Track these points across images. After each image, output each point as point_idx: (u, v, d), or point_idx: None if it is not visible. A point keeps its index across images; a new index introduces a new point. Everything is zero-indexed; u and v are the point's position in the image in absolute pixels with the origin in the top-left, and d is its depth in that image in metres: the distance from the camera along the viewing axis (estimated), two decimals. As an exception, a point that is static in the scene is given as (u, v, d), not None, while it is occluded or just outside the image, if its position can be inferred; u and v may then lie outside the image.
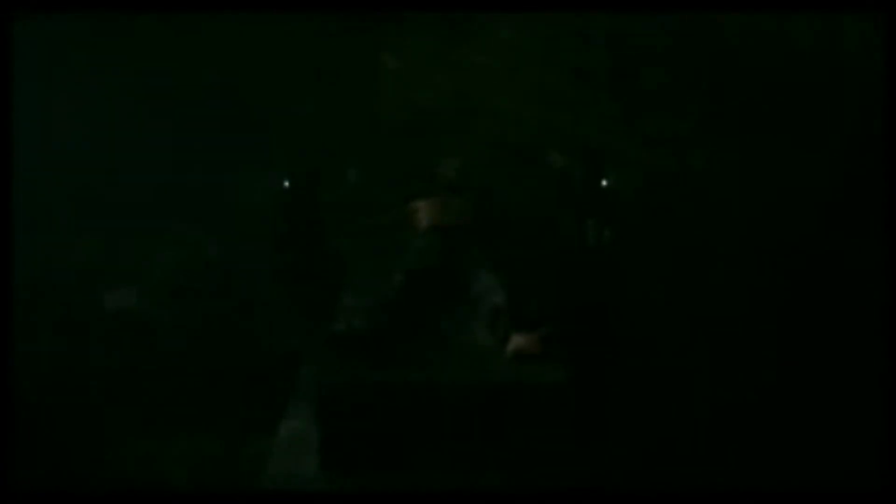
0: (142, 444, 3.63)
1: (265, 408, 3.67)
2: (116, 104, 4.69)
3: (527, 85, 4.78)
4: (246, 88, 4.74)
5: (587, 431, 3.25)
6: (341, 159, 4.78)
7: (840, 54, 4.54)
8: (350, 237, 4.54)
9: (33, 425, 3.70)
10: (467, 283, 3.55)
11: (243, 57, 4.74)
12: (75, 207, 4.63)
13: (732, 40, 4.64)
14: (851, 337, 4.11)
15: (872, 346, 3.70)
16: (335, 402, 3.00)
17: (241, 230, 4.70)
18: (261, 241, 4.68)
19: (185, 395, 3.96)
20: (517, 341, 3.22)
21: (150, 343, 4.40)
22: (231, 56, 4.73)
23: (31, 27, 4.36)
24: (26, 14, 4.15)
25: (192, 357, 4.28)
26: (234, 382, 4.05)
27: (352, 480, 2.98)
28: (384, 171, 4.75)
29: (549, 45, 4.74)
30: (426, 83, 4.80)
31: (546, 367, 3.12)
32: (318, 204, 4.73)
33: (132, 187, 4.64)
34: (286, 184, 4.72)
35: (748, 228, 4.52)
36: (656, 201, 4.62)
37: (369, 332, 3.31)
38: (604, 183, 4.58)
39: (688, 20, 4.62)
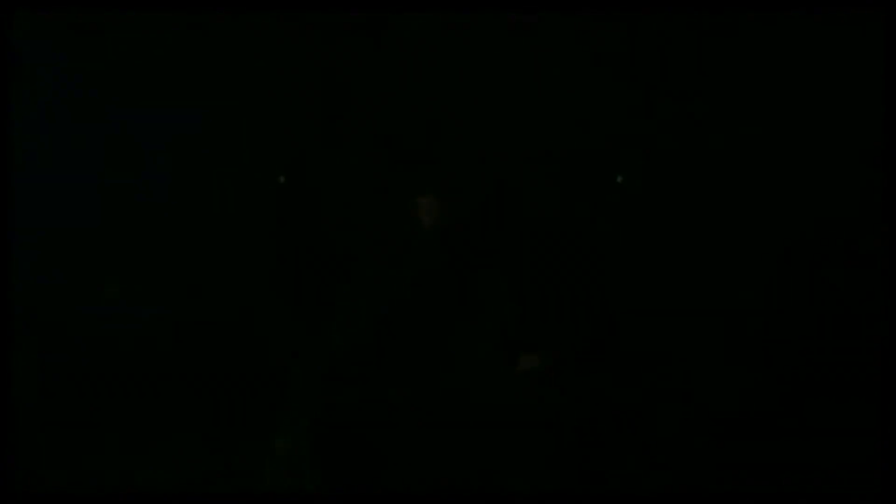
0: (138, 446, 3.63)
1: (261, 412, 3.66)
2: (114, 101, 4.68)
3: (537, 75, 4.75)
4: (244, 84, 4.73)
5: (597, 453, 3.19)
6: (340, 154, 4.76)
7: (840, 54, 4.53)
8: (349, 237, 4.52)
9: (31, 427, 3.70)
10: (474, 293, 3.46)
11: (241, 53, 4.72)
12: (73, 207, 4.62)
13: (731, 39, 4.63)
14: (857, 341, 4.11)
15: (875, 349, 3.71)
16: (331, 415, 2.97)
17: (239, 228, 4.69)
18: (258, 240, 4.66)
19: (182, 397, 3.95)
20: (527, 358, 3.12)
21: (147, 344, 4.40)
22: (229, 53, 4.72)
23: (31, 25, 4.36)
24: (26, 12, 4.15)
25: (189, 359, 4.28)
26: (230, 385, 4.04)
27: (346, 491, 2.96)
28: (385, 166, 4.72)
29: (562, 33, 4.70)
30: (429, 73, 4.77)
31: (556, 386, 3.05)
32: (317, 201, 4.72)
33: (129, 186, 4.63)
34: (282, 180, 4.71)
35: (767, 240, 4.49)
36: (670, 202, 4.58)
37: (369, 342, 3.25)
38: (619, 179, 4.53)
39: (690, 18, 4.60)
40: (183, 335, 4.43)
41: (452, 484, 2.89)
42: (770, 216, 4.53)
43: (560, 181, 4.65)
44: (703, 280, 4.47)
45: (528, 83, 4.77)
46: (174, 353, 4.33)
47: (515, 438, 2.90)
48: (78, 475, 3.43)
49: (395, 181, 4.59)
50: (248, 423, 3.65)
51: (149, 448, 3.61)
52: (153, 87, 4.66)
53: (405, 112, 4.77)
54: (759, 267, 4.46)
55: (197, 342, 4.38)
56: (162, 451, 3.61)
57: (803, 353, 4.16)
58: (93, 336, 4.40)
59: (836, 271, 4.37)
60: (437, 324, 3.40)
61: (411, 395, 2.95)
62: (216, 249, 4.70)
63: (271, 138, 4.72)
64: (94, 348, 4.33)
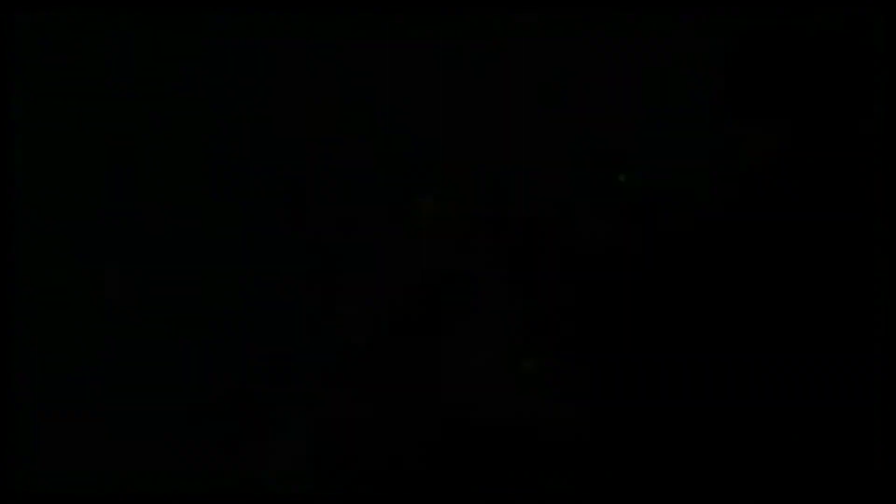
0: (137, 446, 3.63)
1: (261, 412, 3.66)
2: (114, 101, 4.68)
3: (538, 76, 4.74)
4: (244, 83, 4.73)
5: (597, 454, 3.18)
6: (340, 155, 4.76)
7: (840, 54, 4.53)
8: (350, 238, 4.52)
9: (31, 427, 3.70)
10: (475, 298, 3.46)
11: (243, 53, 4.73)
12: (73, 206, 4.62)
13: (732, 38, 4.63)
14: (857, 341, 4.11)
15: (875, 349, 3.71)
16: (329, 420, 2.97)
17: (239, 228, 4.68)
18: (258, 240, 4.66)
19: (181, 399, 3.95)
20: (528, 365, 3.11)
21: (147, 344, 4.40)
22: (230, 53, 4.72)
23: (31, 25, 4.36)
24: (27, 12, 4.15)
25: (189, 359, 4.28)
26: (230, 385, 4.04)
27: (346, 492, 2.96)
28: (386, 167, 4.72)
29: (565, 35, 4.70)
30: (429, 72, 4.77)
31: (559, 396, 3.04)
32: (317, 201, 4.71)
33: (129, 185, 4.63)
34: (286, 180, 4.70)
35: (768, 240, 4.48)
36: (672, 202, 4.58)
37: (367, 347, 3.25)
38: (621, 178, 4.52)
39: (692, 18, 4.61)
40: (183, 335, 4.43)
41: (453, 484, 2.90)
42: (770, 216, 4.54)
43: (560, 181, 4.66)
44: (704, 280, 4.47)
45: (529, 83, 4.78)
46: (174, 353, 4.33)
47: (515, 439, 2.91)
48: (78, 475, 3.43)
49: (396, 182, 4.59)
50: (248, 423, 3.65)
51: (148, 448, 3.61)
52: (153, 86, 4.67)
53: (405, 112, 4.77)
54: (759, 268, 4.46)
55: (197, 342, 4.38)
56: (162, 451, 3.61)
57: (804, 353, 4.17)
58: (93, 336, 4.40)
59: (836, 271, 4.37)
60: (437, 325, 3.41)
61: (411, 396, 2.95)
62: (216, 249, 4.70)
63: (271, 138, 4.72)
64: (95, 348, 4.33)
